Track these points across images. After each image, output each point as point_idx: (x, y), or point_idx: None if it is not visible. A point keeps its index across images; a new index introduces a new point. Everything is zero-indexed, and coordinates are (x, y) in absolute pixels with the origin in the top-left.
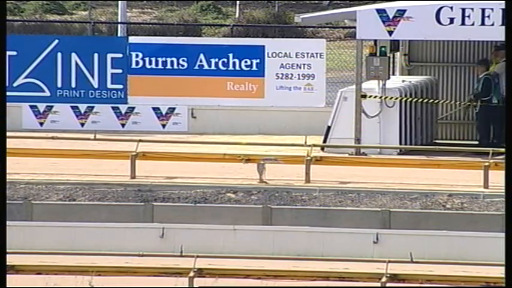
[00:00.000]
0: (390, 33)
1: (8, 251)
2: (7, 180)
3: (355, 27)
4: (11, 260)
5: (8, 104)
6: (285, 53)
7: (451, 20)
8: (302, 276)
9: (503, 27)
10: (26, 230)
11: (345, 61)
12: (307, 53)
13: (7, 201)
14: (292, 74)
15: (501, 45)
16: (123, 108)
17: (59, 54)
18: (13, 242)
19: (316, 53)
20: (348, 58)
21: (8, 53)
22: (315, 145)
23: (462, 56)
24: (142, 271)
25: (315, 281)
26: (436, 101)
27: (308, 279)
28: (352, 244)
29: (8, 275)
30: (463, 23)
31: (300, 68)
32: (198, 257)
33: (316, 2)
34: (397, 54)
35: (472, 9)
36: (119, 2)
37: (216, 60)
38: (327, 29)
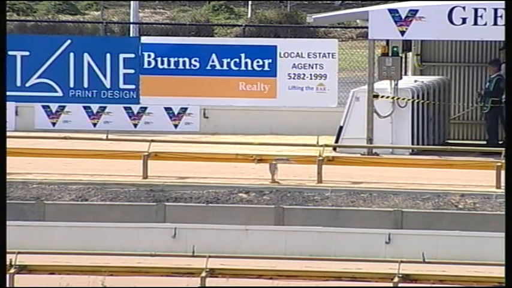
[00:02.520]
0: (402, 33)
1: (20, 250)
2: (19, 180)
3: (367, 27)
4: (23, 259)
5: (20, 104)
6: (297, 53)
7: (464, 20)
8: (314, 276)
9: None
10: (39, 230)
11: (357, 61)
12: (319, 53)
13: (19, 202)
14: (304, 74)
15: (504, 46)
16: (135, 108)
17: (72, 55)
18: (26, 242)
19: (328, 53)
20: (360, 58)
21: (21, 53)
22: (327, 145)
23: (475, 56)
24: (154, 271)
25: (328, 281)
26: (448, 102)
27: (320, 280)
28: (365, 244)
29: (20, 275)
30: (475, 23)
31: (312, 68)
32: (210, 257)
33: (328, 2)
34: (410, 54)
35: (485, 9)
36: (131, 2)
37: (228, 60)
38: (339, 29)
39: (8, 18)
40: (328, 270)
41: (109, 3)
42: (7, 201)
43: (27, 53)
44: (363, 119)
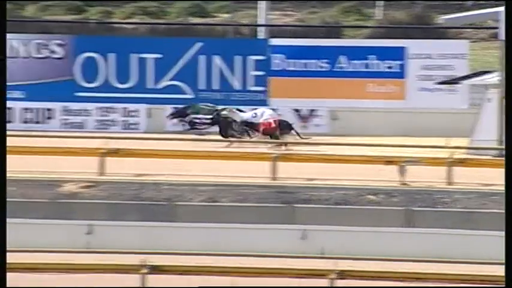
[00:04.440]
0: None
1: (152, 251)
2: (151, 181)
3: (498, 28)
4: (155, 260)
5: (151, 106)
6: (427, 54)
7: None
8: (445, 278)
9: None
10: (170, 231)
11: (489, 62)
12: (450, 54)
13: (151, 203)
14: (434, 76)
15: None
16: None
17: (202, 57)
18: (157, 243)
19: (459, 54)
20: (492, 59)
21: (154, 55)
22: (457, 147)
23: None
24: (283, 272)
25: (459, 284)
26: None
27: (451, 282)
28: (499, 248)
29: (152, 275)
30: None
31: (442, 69)
32: (339, 258)
33: (460, 2)
34: None
35: None
36: (260, 5)
37: (357, 61)
38: (470, 29)
39: (140, 21)
40: (458, 273)
41: (239, 6)
42: (139, 202)
43: (159, 56)
44: (494, 120)
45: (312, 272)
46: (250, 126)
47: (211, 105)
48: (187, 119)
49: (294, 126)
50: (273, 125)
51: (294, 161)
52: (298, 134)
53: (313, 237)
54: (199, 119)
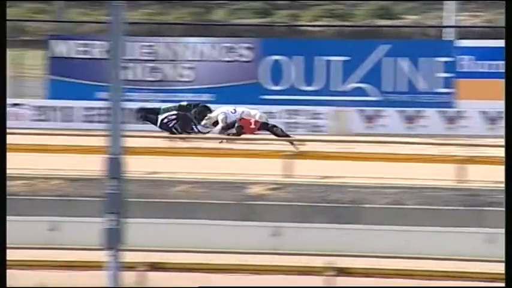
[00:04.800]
0: None
1: (337, 253)
2: (336, 183)
3: None
4: (341, 262)
5: (337, 108)
6: None
7: None
8: None
9: None
10: (355, 233)
11: None
12: None
13: (336, 205)
14: None
15: None
16: (450, 112)
17: (388, 59)
18: (341, 245)
19: None
20: None
21: (340, 58)
22: None
23: None
24: (466, 276)
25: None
26: None
27: None
28: None
29: (338, 277)
30: None
31: None
32: None
33: None
34: None
35: None
36: (447, 5)
37: None
38: None
39: (327, 23)
40: None
41: (427, 8)
42: (325, 204)
43: (345, 58)
44: None
45: (497, 276)
46: (230, 124)
47: (175, 104)
48: (156, 121)
49: (278, 129)
50: (252, 125)
51: (481, 163)
52: (284, 136)
53: (499, 240)
54: (166, 117)
